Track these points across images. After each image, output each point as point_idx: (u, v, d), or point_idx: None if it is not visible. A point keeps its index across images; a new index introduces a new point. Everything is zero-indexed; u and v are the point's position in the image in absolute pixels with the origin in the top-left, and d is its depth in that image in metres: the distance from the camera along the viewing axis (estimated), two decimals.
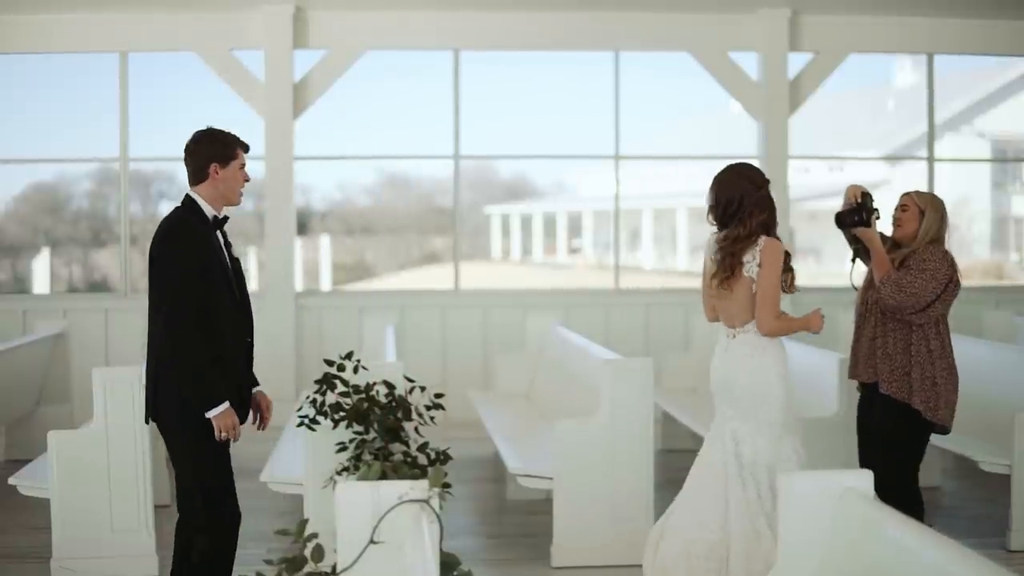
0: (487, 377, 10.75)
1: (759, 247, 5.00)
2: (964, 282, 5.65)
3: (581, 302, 11.49)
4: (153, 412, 4.70)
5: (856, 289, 5.85)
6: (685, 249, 20.87)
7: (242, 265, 4.91)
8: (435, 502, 3.24)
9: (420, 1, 10.92)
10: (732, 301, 5.07)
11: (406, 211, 18.99)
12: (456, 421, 9.48)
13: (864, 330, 5.67)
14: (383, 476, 4.00)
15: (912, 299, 5.39)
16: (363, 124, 15.77)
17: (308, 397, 5.22)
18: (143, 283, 4.55)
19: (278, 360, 10.65)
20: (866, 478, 3.58)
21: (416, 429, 5.12)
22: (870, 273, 5.68)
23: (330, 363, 5.19)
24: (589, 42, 11.35)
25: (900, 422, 5.50)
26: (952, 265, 5.50)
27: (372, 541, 3.23)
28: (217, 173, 4.68)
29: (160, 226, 4.67)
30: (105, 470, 6.10)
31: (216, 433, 4.56)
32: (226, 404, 4.57)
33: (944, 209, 5.60)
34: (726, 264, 5.03)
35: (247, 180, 4.81)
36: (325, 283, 17.33)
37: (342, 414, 5.11)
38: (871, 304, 5.62)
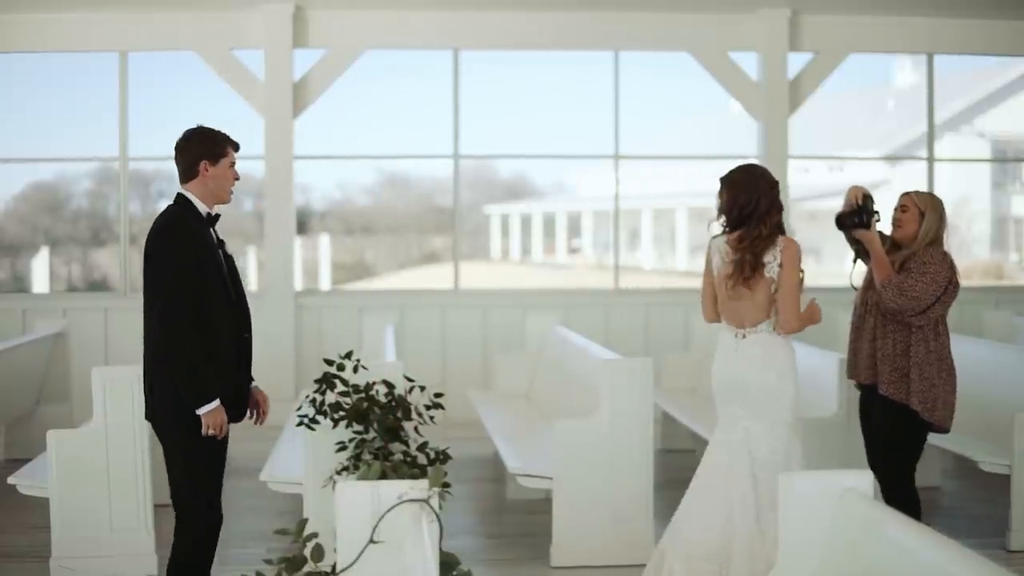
0: (487, 377, 10.75)
1: (779, 247, 5.04)
2: (964, 282, 5.66)
3: (581, 302, 11.48)
4: (151, 412, 4.70)
5: (856, 289, 5.85)
6: (685, 249, 20.87)
7: (235, 262, 4.90)
8: (435, 502, 3.24)
9: (420, 1, 10.91)
10: (749, 302, 5.07)
11: (406, 211, 18.99)
12: (456, 421, 9.48)
13: (863, 331, 5.67)
14: (383, 476, 4.00)
15: (913, 303, 5.39)
16: (363, 123, 15.77)
17: (308, 396, 5.22)
18: (142, 282, 4.55)
19: (278, 359, 10.65)
20: (866, 478, 3.58)
21: (416, 429, 5.12)
22: (870, 273, 5.68)
23: (330, 362, 5.19)
24: (589, 42, 11.34)
25: (899, 423, 5.51)
26: (951, 267, 5.50)
27: (372, 541, 3.23)
28: (207, 171, 4.68)
29: (155, 223, 4.67)
30: (104, 469, 6.10)
31: (204, 429, 4.56)
32: (216, 402, 4.57)
33: (943, 209, 5.61)
34: (747, 264, 5.03)
35: (237, 179, 4.81)
36: (324, 283, 17.33)
37: (342, 414, 5.11)
38: (871, 305, 5.63)
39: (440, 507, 3.25)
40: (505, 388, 9.31)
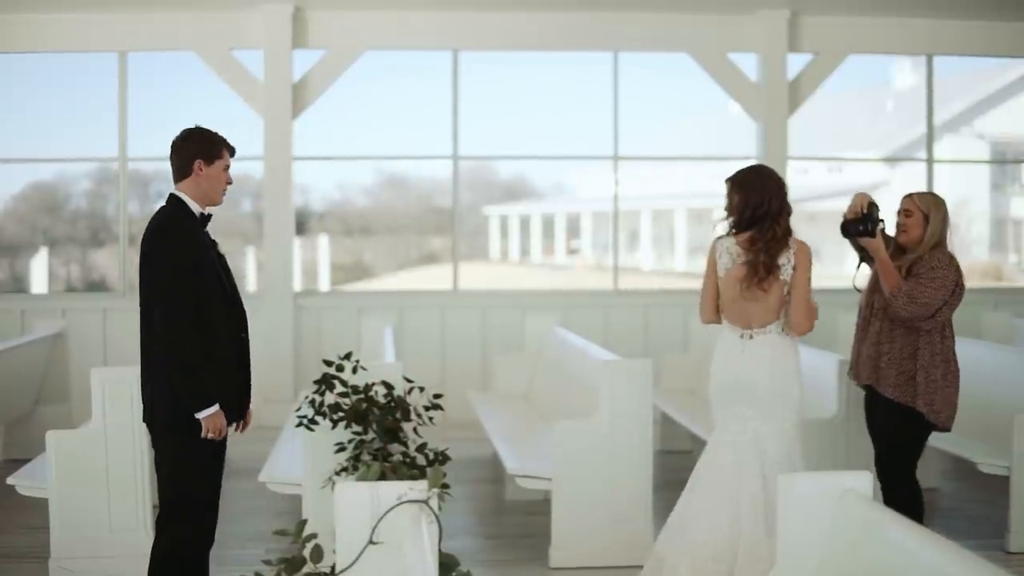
0: (486, 378, 10.75)
1: (792, 250, 5.06)
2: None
3: (580, 303, 11.48)
4: (148, 415, 4.69)
5: (859, 291, 5.86)
6: (684, 250, 20.88)
7: (228, 262, 4.89)
8: (434, 503, 3.24)
9: (419, 1, 10.91)
10: (762, 303, 5.08)
11: (405, 211, 18.99)
12: (455, 422, 9.48)
13: (868, 333, 5.68)
14: (382, 476, 4.01)
15: (923, 309, 5.42)
16: (362, 124, 15.77)
17: (307, 397, 5.22)
18: (138, 284, 4.56)
19: (277, 360, 10.65)
20: (865, 480, 3.58)
21: (415, 430, 5.12)
22: (875, 275, 5.68)
23: (329, 363, 5.19)
24: (588, 43, 11.35)
25: (903, 424, 5.54)
26: (957, 269, 5.53)
27: (371, 541, 3.23)
28: (201, 170, 4.68)
29: (149, 224, 4.67)
30: (104, 470, 6.10)
31: (204, 432, 4.56)
32: (216, 406, 4.57)
33: (946, 209, 5.62)
34: (761, 266, 5.04)
35: (229, 183, 4.80)
36: (323, 283, 17.33)
37: (341, 414, 5.11)
38: (876, 308, 5.64)
39: (439, 508, 3.25)
40: (504, 389, 9.31)
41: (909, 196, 5.68)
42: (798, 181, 14.07)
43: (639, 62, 11.76)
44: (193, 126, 4.78)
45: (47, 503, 6.10)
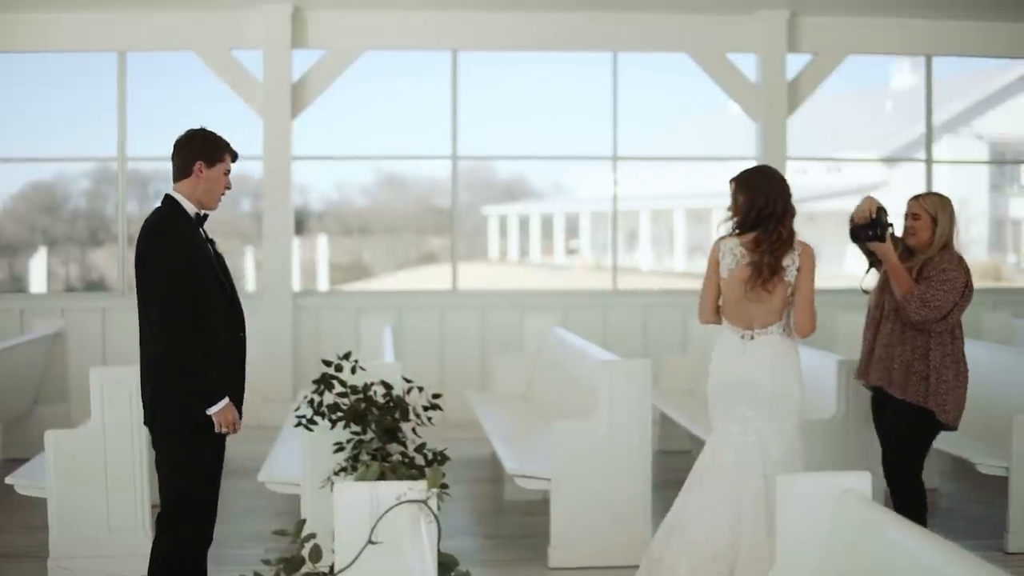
0: (485, 378, 10.75)
1: (797, 251, 5.07)
2: None
3: (579, 303, 11.48)
4: (149, 417, 4.68)
5: (867, 293, 5.89)
6: (683, 250, 20.89)
7: (225, 261, 4.89)
8: (433, 502, 3.25)
9: (419, 1, 10.91)
10: (765, 304, 5.09)
11: (404, 211, 19.00)
12: (454, 422, 9.48)
13: (879, 334, 5.70)
14: (381, 476, 4.00)
15: (936, 311, 5.46)
16: (361, 124, 15.78)
17: (306, 397, 5.21)
18: (135, 285, 4.55)
19: (275, 360, 10.65)
20: (865, 480, 3.58)
21: (414, 430, 5.12)
22: (884, 276, 5.71)
23: (328, 363, 5.18)
24: (588, 43, 11.35)
25: (914, 424, 5.60)
26: (966, 270, 5.56)
27: (370, 541, 3.23)
28: (202, 172, 4.67)
29: (144, 225, 4.66)
30: (102, 469, 6.09)
31: (216, 427, 4.57)
32: (225, 400, 4.57)
33: (953, 209, 5.65)
34: (765, 268, 5.05)
35: (228, 188, 4.79)
36: (322, 283, 17.33)
37: (340, 414, 5.10)
38: (888, 310, 5.66)
39: (438, 508, 3.25)
40: (503, 389, 9.31)
41: (915, 199, 5.69)
42: (797, 181, 14.04)
43: (638, 62, 11.76)
44: (198, 127, 4.77)
45: (46, 502, 6.10)
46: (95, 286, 15.99)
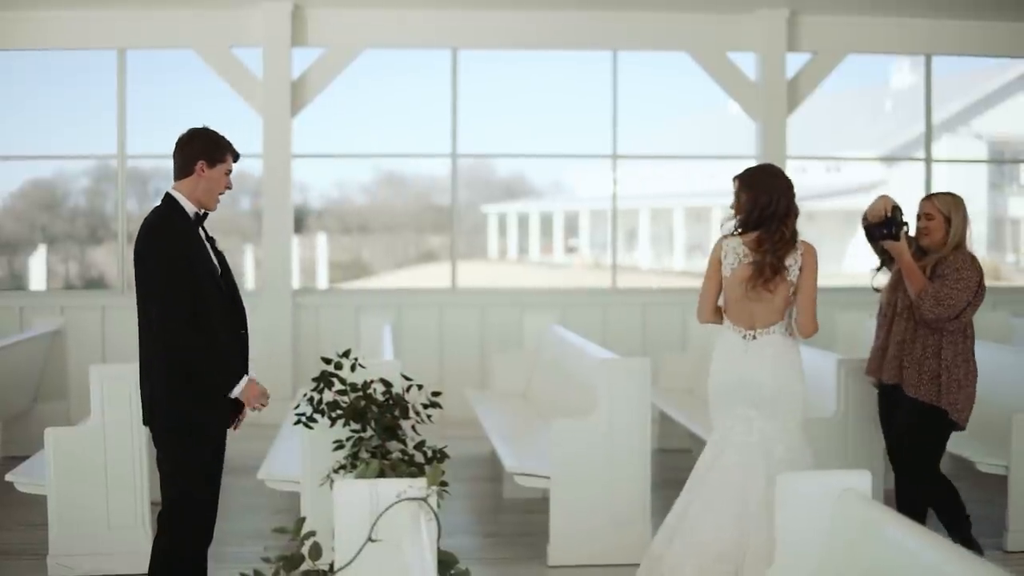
0: (484, 376, 10.75)
1: (799, 251, 5.07)
2: None
3: (578, 301, 11.48)
4: (147, 415, 4.68)
5: (878, 291, 5.90)
6: (682, 249, 20.89)
7: (226, 259, 4.89)
8: (433, 500, 3.25)
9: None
10: (767, 304, 5.09)
11: (403, 209, 18.99)
12: (453, 420, 9.47)
13: (892, 332, 5.71)
14: (381, 474, 4.00)
15: (949, 311, 5.49)
16: (361, 122, 15.77)
17: (305, 395, 5.21)
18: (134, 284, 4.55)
19: (275, 358, 10.64)
20: (865, 479, 3.58)
21: (413, 427, 5.12)
22: (896, 275, 5.72)
23: (327, 361, 5.19)
24: (587, 41, 11.34)
25: (926, 422, 5.62)
26: (979, 270, 5.58)
27: (370, 539, 3.23)
28: (203, 172, 4.67)
29: (143, 224, 4.66)
30: (102, 467, 6.10)
31: (248, 406, 4.65)
32: (245, 378, 4.63)
33: (966, 209, 5.68)
34: (768, 267, 5.04)
35: (228, 187, 4.79)
36: (322, 281, 17.32)
37: (339, 412, 5.10)
38: (901, 308, 5.67)
39: (438, 506, 3.25)
40: (502, 387, 9.31)
41: (928, 198, 5.71)
42: (797, 180, 14.07)
43: (638, 61, 11.77)
44: (201, 126, 4.77)
45: (45, 500, 6.10)
46: (95, 284, 15.99)
